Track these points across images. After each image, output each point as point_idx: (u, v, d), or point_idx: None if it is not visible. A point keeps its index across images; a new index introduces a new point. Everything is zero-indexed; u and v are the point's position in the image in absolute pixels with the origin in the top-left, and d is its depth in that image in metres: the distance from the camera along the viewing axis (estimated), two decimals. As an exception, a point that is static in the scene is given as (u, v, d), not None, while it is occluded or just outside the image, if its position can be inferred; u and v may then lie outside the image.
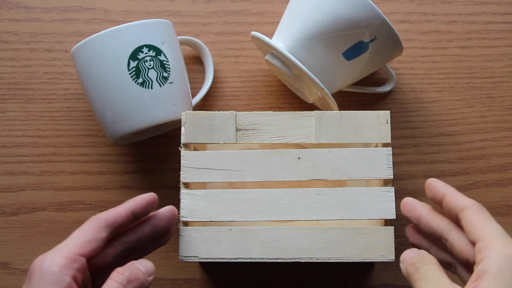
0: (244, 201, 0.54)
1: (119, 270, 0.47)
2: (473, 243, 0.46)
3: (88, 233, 0.48)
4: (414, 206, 0.51)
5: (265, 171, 0.55)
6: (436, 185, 0.50)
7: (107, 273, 0.48)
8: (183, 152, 0.56)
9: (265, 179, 0.55)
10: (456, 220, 0.49)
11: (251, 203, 0.54)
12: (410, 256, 0.47)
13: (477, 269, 0.44)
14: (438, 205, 0.50)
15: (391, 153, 0.55)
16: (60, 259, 0.45)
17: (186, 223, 0.55)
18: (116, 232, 0.50)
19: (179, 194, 0.55)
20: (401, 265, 0.48)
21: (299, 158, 0.55)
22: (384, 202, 0.54)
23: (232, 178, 0.55)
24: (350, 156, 0.55)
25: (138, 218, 0.51)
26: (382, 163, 0.55)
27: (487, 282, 0.42)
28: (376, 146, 0.59)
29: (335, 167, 0.55)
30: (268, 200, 0.54)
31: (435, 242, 0.52)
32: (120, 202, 0.66)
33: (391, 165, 0.54)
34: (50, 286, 0.44)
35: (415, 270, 0.46)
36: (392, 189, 0.54)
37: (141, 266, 0.48)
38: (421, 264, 0.46)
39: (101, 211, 0.67)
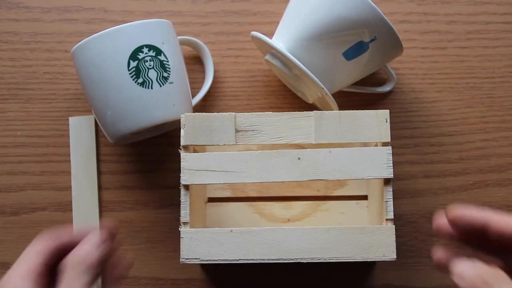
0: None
1: (68, 257, 0.48)
2: None
3: (37, 246, 0.49)
4: (443, 215, 0.46)
5: (265, 172, 0.55)
6: (469, 212, 0.44)
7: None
8: (183, 154, 0.56)
9: (265, 180, 0.55)
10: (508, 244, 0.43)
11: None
12: (473, 268, 0.41)
13: None
14: (472, 235, 0.44)
15: (391, 152, 0.55)
16: (18, 273, 0.47)
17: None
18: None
19: (179, 195, 0.55)
20: (461, 278, 0.41)
21: (299, 158, 0.55)
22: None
23: (232, 179, 0.55)
24: (350, 156, 0.55)
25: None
26: (382, 162, 0.54)
27: None
28: (376, 145, 0.59)
29: (335, 167, 0.55)
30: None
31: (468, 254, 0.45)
32: (120, 202, 0.66)
33: (391, 164, 0.54)
34: None
35: (484, 284, 0.40)
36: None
37: (86, 245, 0.49)
38: (497, 283, 0.40)
39: (101, 211, 0.67)
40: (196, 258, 0.54)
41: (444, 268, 0.45)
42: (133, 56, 0.58)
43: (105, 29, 0.59)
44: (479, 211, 0.44)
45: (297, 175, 0.55)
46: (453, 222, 0.45)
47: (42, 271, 0.47)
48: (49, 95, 0.68)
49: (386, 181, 0.55)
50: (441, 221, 0.46)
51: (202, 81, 0.68)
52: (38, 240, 0.49)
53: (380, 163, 0.55)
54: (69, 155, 0.67)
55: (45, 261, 0.48)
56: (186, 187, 0.55)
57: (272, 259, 0.53)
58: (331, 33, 0.58)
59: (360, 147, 0.56)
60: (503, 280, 0.40)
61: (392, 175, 0.54)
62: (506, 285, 0.39)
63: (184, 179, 0.55)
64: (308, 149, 0.55)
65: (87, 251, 0.48)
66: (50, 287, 0.48)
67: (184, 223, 0.55)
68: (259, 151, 0.55)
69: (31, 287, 0.46)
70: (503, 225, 0.42)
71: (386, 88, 0.67)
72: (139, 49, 0.59)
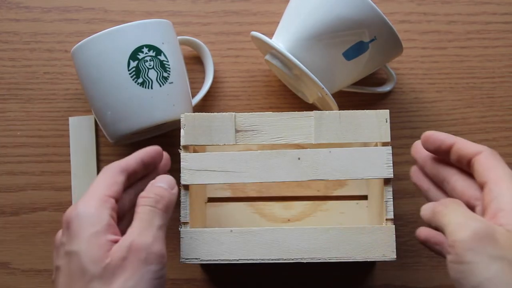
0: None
1: (143, 195, 0.49)
2: (482, 185, 0.47)
3: (108, 178, 0.49)
4: (422, 149, 0.52)
5: (265, 172, 0.55)
6: (440, 136, 0.51)
7: (125, 219, 0.50)
8: (183, 154, 0.56)
9: (265, 180, 0.55)
10: (466, 167, 0.49)
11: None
12: (434, 203, 0.48)
13: (491, 207, 0.45)
14: (443, 155, 0.51)
15: (391, 152, 0.55)
16: (93, 202, 0.47)
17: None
18: (129, 179, 0.51)
19: (179, 195, 0.55)
20: (425, 210, 0.48)
21: (299, 158, 0.55)
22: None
23: (232, 179, 0.55)
24: (350, 156, 0.55)
25: (147, 167, 0.52)
26: (382, 163, 0.54)
27: (505, 219, 0.43)
28: (376, 145, 0.59)
29: (335, 167, 0.55)
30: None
31: (435, 185, 0.53)
32: (120, 202, 0.66)
33: (391, 164, 0.54)
34: (91, 227, 0.45)
35: (444, 207, 0.46)
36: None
37: (162, 183, 0.50)
38: (450, 202, 0.46)
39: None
40: (196, 258, 0.54)
41: (429, 244, 0.50)
42: (133, 56, 0.58)
43: (105, 29, 0.59)
44: (447, 135, 0.51)
45: (297, 175, 0.55)
46: (426, 141, 0.51)
47: (115, 207, 0.48)
48: (49, 95, 0.68)
49: (386, 181, 0.55)
50: (417, 146, 0.53)
51: (202, 81, 0.68)
52: (107, 172, 0.49)
53: (380, 163, 0.55)
54: (69, 155, 0.67)
55: (117, 193, 0.48)
56: (186, 187, 0.55)
57: (272, 259, 0.53)
58: (331, 33, 0.58)
59: (360, 147, 0.56)
60: (454, 201, 0.47)
61: (392, 175, 0.54)
62: (455, 204, 0.46)
63: (184, 179, 0.55)
64: (308, 149, 0.55)
65: (163, 192, 0.49)
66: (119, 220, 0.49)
67: (184, 223, 0.55)
68: (259, 151, 0.55)
69: (107, 217, 0.46)
70: (464, 145, 0.49)
71: (386, 88, 0.67)
72: (139, 49, 0.59)
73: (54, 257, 0.48)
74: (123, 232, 0.47)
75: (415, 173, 0.54)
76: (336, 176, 0.55)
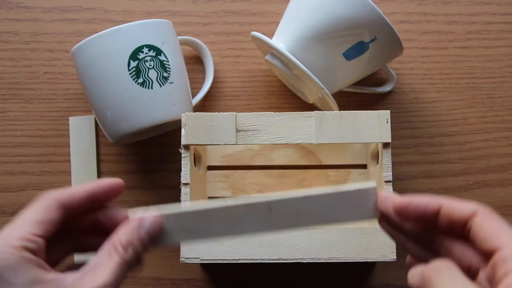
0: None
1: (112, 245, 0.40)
2: (488, 252, 0.39)
3: (40, 213, 0.39)
4: (389, 197, 0.42)
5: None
6: (420, 201, 0.41)
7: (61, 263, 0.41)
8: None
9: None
10: (459, 230, 0.41)
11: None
12: (424, 266, 0.40)
13: (506, 281, 0.37)
14: (427, 221, 0.42)
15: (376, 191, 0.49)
16: (14, 241, 0.37)
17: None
18: (70, 216, 0.41)
19: (179, 195, 0.55)
20: (413, 277, 0.40)
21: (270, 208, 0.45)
22: None
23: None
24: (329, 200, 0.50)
25: (97, 203, 0.42)
26: (368, 205, 0.49)
27: None
28: (376, 145, 0.60)
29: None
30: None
31: (411, 237, 0.44)
32: (120, 202, 0.66)
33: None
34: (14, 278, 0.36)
35: (436, 273, 0.38)
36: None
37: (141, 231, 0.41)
38: (443, 267, 0.39)
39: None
40: (196, 258, 0.54)
41: None
42: (133, 56, 0.58)
43: (105, 29, 0.59)
44: (430, 198, 0.41)
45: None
46: (399, 211, 0.41)
47: (42, 249, 0.38)
48: (49, 95, 0.68)
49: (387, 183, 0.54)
50: (385, 203, 0.42)
51: (202, 81, 0.68)
52: (43, 202, 0.40)
53: (364, 205, 0.49)
54: (69, 155, 0.67)
55: (47, 233, 0.39)
56: (186, 185, 0.55)
57: (272, 259, 0.53)
58: (331, 33, 0.58)
59: (360, 147, 0.56)
60: (447, 265, 0.39)
61: (391, 178, 0.54)
62: (449, 269, 0.38)
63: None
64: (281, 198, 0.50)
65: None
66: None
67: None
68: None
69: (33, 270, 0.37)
70: (455, 208, 0.40)
71: (386, 88, 0.67)
72: (139, 49, 0.59)
73: None
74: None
75: (384, 225, 0.44)
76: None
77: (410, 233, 0.43)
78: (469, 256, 0.41)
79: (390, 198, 0.42)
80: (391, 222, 0.43)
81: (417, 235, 0.43)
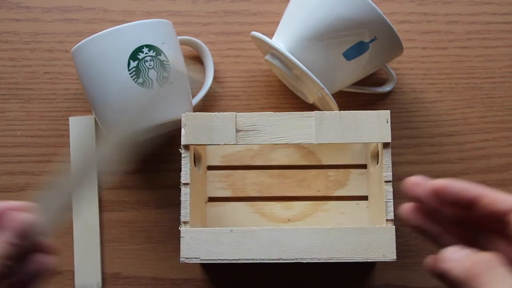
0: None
1: None
2: None
3: None
4: (420, 182, 0.42)
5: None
6: (459, 186, 0.40)
7: None
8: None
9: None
10: (496, 223, 0.39)
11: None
12: (464, 254, 0.38)
13: None
14: (460, 209, 0.40)
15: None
16: None
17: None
18: None
19: (179, 195, 0.55)
20: (454, 263, 0.38)
21: None
22: None
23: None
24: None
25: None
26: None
27: None
28: (376, 145, 0.60)
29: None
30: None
31: (448, 227, 0.42)
32: (120, 202, 0.66)
33: None
34: None
35: (485, 269, 0.36)
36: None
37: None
38: (493, 265, 0.36)
39: (101, 211, 0.67)
40: (196, 258, 0.54)
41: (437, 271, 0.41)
42: (133, 56, 0.58)
43: (105, 29, 0.59)
44: (470, 185, 0.40)
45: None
46: (437, 192, 0.41)
47: None
48: (49, 95, 0.68)
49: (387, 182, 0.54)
50: (418, 187, 0.42)
51: (202, 81, 0.68)
52: None
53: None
54: (69, 155, 0.67)
55: None
56: (186, 185, 0.55)
57: (272, 259, 0.53)
58: (331, 33, 0.58)
59: (361, 146, 0.56)
60: (497, 263, 0.37)
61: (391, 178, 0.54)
62: (500, 269, 0.36)
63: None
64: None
65: None
66: None
67: (184, 222, 0.55)
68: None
69: None
70: (496, 199, 0.39)
71: (386, 88, 0.67)
72: (139, 49, 0.59)
73: None
74: None
75: (414, 215, 0.43)
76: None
77: (447, 219, 0.41)
78: (508, 251, 0.39)
79: (422, 183, 0.41)
80: (424, 212, 0.41)
81: (454, 223, 0.41)
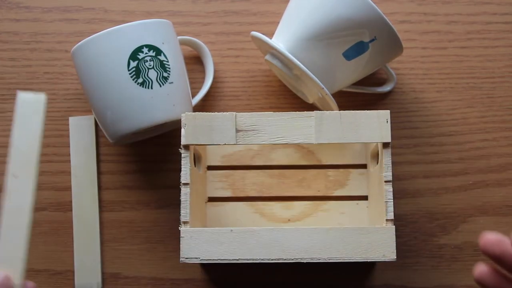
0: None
1: None
2: None
3: None
4: (500, 241, 0.36)
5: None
6: None
7: None
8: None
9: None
10: None
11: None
12: None
13: None
14: None
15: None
16: None
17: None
18: None
19: (179, 195, 0.55)
20: None
21: None
22: None
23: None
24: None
25: None
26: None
27: None
28: (376, 145, 0.60)
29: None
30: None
31: None
32: (120, 202, 0.66)
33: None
34: None
35: None
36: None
37: None
38: None
39: (101, 211, 0.67)
40: (196, 258, 0.54)
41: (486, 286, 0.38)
42: (133, 56, 0.58)
43: (105, 29, 0.59)
44: None
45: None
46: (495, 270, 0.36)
47: None
48: (49, 95, 0.68)
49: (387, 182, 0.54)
50: (497, 247, 0.37)
51: (202, 81, 0.68)
52: None
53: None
54: (69, 155, 0.67)
55: None
56: (186, 185, 0.55)
57: (272, 259, 0.53)
58: (331, 33, 0.58)
59: (360, 147, 0.56)
60: None
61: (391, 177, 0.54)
62: None
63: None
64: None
65: None
66: None
67: (184, 222, 0.55)
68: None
69: None
70: None
71: (386, 88, 0.67)
72: (139, 49, 0.59)
73: None
74: None
75: (492, 277, 0.37)
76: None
77: None
78: None
79: (502, 241, 0.36)
80: (501, 274, 0.36)
81: None
